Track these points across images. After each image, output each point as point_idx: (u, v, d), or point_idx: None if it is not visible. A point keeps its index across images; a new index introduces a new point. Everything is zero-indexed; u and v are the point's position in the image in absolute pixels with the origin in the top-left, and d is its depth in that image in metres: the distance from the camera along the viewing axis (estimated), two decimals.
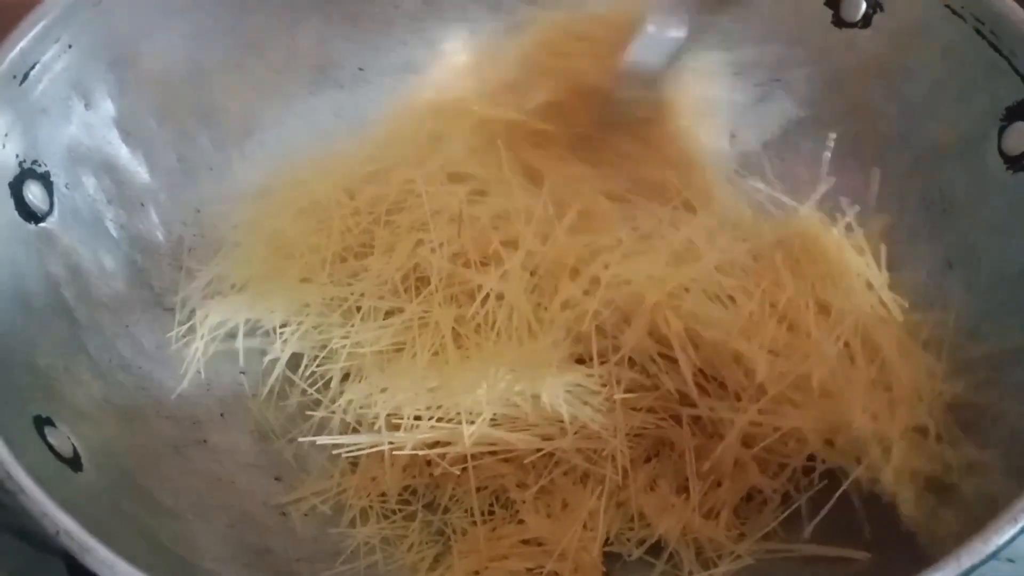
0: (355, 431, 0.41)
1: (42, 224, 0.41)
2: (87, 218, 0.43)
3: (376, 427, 0.40)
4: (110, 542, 0.31)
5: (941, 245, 0.44)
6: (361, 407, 0.41)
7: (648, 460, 0.41)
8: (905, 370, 0.39)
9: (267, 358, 0.44)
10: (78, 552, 0.30)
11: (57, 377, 0.39)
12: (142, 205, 0.46)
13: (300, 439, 0.42)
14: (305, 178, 0.47)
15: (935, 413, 0.38)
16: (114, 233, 0.44)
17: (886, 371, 0.39)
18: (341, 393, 0.42)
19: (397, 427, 0.40)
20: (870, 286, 0.42)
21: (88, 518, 0.31)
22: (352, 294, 0.44)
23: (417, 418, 0.40)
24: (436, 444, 0.39)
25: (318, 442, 0.41)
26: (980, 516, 0.30)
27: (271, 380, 0.44)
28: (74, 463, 0.36)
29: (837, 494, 0.37)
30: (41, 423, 0.36)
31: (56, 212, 0.42)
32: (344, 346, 0.43)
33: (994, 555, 0.29)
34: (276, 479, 0.43)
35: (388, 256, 0.43)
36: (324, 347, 0.44)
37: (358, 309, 0.43)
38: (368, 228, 0.45)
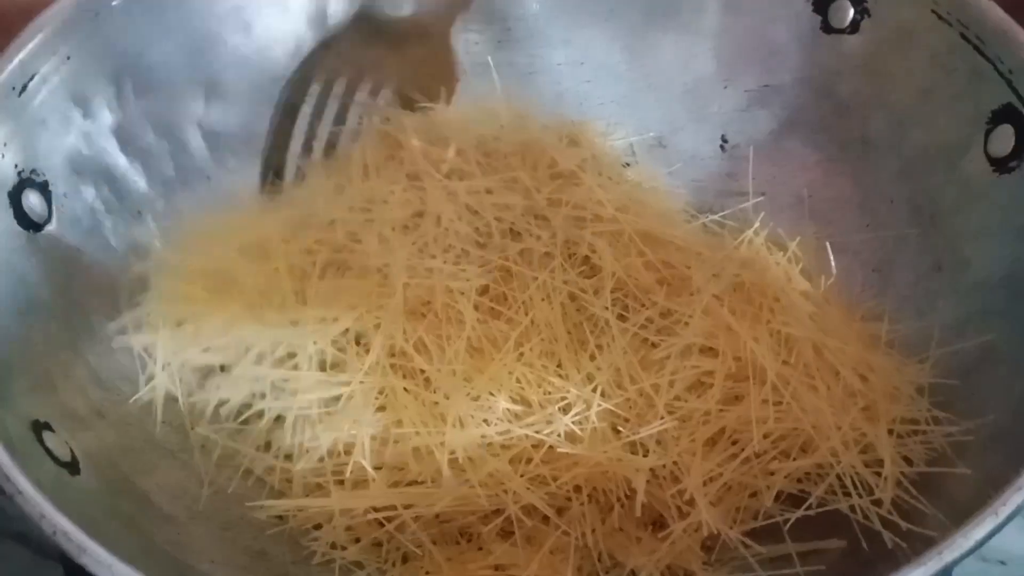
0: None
1: (41, 233, 0.41)
2: (86, 227, 0.44)
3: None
4: (107, 544, 0.31)
5: (929, 249, 0.45)
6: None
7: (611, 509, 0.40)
8: (875, 372, 0.40)
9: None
10: (75, 553, 0.30)
11: (56, 383, 0.39)
12: (140, 214, 0.46)
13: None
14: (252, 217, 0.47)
15: (916, 401, 0.39)
16: (112, 241, 0.45)
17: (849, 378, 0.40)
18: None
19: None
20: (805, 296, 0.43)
21: (85, 520, 0.32)
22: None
23: (377, 468, 0.40)
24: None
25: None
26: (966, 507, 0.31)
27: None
28: (72, 467, 0.36)
29: (804, 508, 0.38)
30: (39, 428, 0.36)
31: (55, 221, 0.42)
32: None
33: (974, 549, 0.29)
34: (271, 487, 0.43)
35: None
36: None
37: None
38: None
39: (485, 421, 0.39)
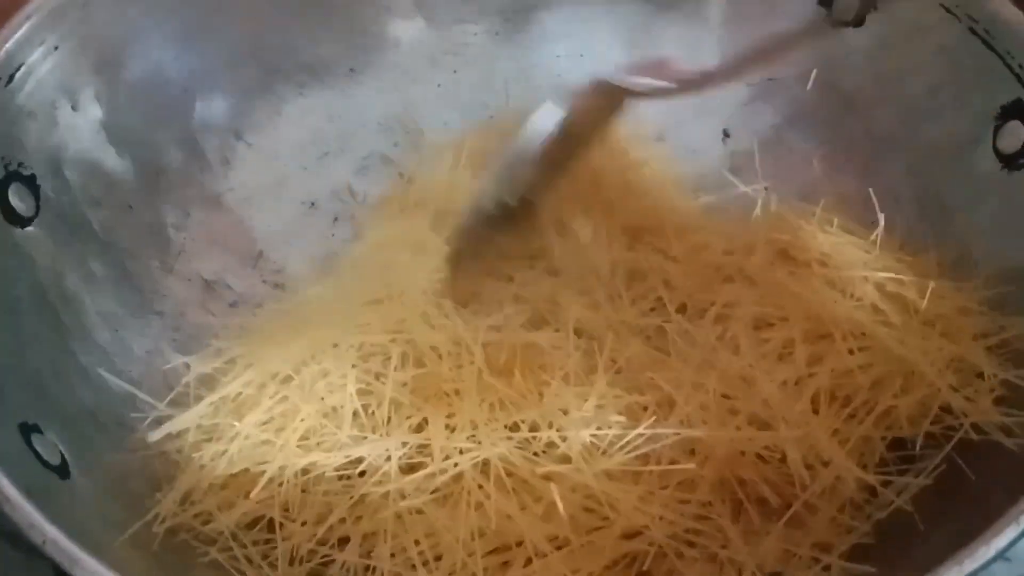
0: None
1: (28, 228, 0.40)
2: (74, 222, 0.43)
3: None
4: (98, 551, 0.30)
5: (937, 245, 0.44)
6: None
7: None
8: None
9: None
10: (66, 563, 0.29)
11: (45, 383, 0.38)
12: (130, 208, 0.45)
13: None
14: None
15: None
16: (102, 237, 0.44)
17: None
18: None
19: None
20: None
21: (76, 526, 0.31)
22: None
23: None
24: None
25: None
26: None
27: None
28: (61, 470, 0.36)
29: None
30: (28, 430, 0.35)
31: (42, 216, 0.41)
32: None
33: (995, 559, 0.29)
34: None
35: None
36: None
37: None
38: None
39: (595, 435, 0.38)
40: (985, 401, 0.38)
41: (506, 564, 0.37)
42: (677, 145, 0.50)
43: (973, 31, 0.43)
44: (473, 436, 0.38)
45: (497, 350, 0.41)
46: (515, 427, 0.39)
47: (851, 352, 0.40)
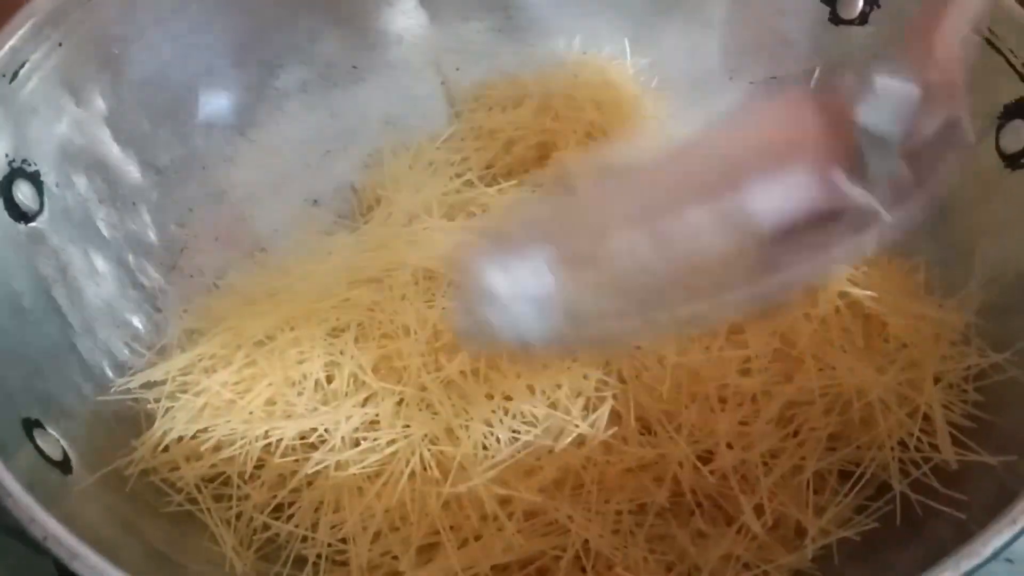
0: None
1: (32, 224, 0.40)
2: (78, 218, 0.43)
3: None
4: (100, 546, 0.30)
5: (939, 245, 0.44)
6: None
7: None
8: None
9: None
10: (67, 558, 0.29)
11: (48, 379, 0.38)
12: (134, 204, 0.45)
13: None
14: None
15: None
16: (105, 233, 0.44)
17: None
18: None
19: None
20: None
21: (77, 522, 0.31)
22: None
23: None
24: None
25: None
26: None
27: None
28: (63, 466, 0.36)
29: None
30: (30, 425, 0.35)
31: (46, 212, 0.41)
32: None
33: (992, 558, 0.29)
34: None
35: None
36: None
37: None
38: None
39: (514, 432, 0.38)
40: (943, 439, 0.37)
41: (434, 547, 0.37)
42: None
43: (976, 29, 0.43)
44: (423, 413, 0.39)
45: None
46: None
47: (821, 370, 0.39)
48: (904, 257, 0.43)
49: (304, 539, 0.38)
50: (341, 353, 0.41)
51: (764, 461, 0.38)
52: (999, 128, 0.42)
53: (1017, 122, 0.41)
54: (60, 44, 0.42)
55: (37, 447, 0.35)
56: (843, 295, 0.41)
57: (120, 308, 0.44)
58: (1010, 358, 0.38)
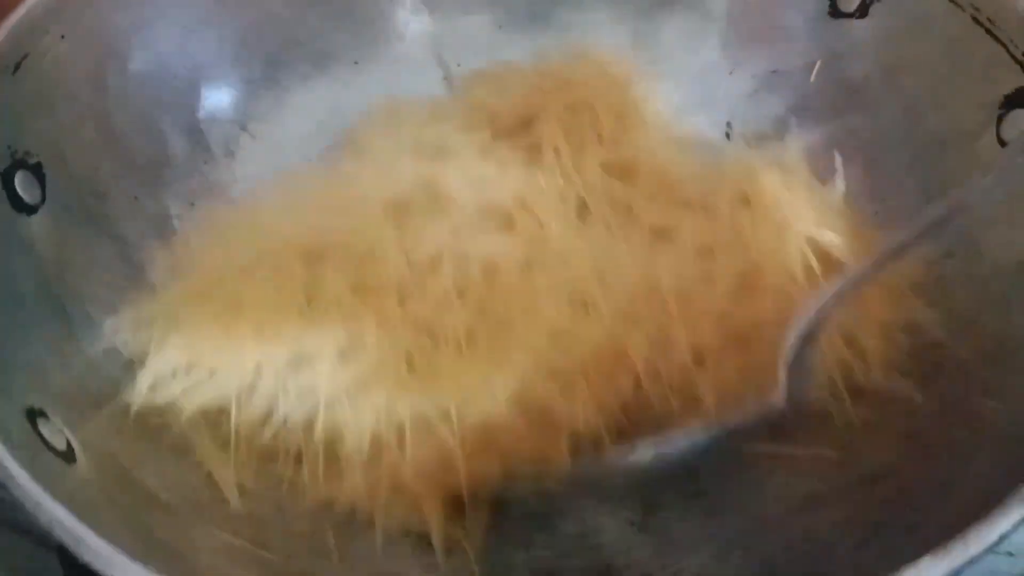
0: None
1: (33, 216, 0.40)
2: (79, 211, 0.43)
3: None
4: (104, 534, 0.30)
5: (941, 236, 0.44)
6: None
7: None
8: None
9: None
10: (71, 543, 0.29)
11: (50, 370, 0.38)
12: (135, 198, 0.45)
13: None
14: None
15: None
16: (106, 226, 0.44)
17: None
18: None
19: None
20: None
21: (82, 509, 0.31)
22: None
23: None
24: None
25: None
26: None
27: None
28: (67, 455, 0.35)
29: None
30: (34, 415, 0.35)
31: (48, 204, 0.41)
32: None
33: (1000, 541, 0.28)
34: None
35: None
36: None
37: None
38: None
39: None
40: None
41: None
42: (679, 135, 0.50)
43: (976, 20, 0.43)
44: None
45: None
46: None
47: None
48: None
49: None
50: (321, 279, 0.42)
51: None
52: (1000, 118, 0.42)
53: (1018, 112, 0.41)
54: (62, 36, 0.42)
55: (41, 436, 0.35)
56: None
57: (122, 301, 0.43)
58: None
